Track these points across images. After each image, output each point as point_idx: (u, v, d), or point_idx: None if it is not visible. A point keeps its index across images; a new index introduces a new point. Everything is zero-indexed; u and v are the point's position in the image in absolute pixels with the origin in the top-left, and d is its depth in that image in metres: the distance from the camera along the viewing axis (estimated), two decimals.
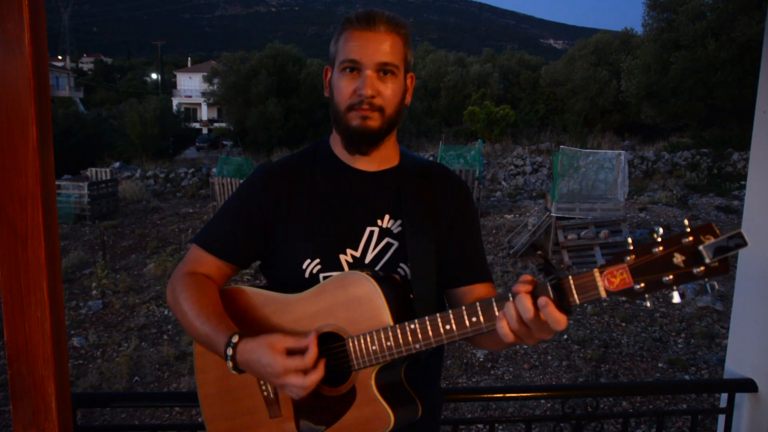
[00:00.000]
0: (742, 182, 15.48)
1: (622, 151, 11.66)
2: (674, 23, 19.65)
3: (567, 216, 9.91)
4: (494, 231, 11.77)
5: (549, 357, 5.98)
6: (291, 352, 1.10)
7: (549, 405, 4.88)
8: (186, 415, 5.14)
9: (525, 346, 6.19)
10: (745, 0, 17.42)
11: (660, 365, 5.77)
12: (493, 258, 9.82)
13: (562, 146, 12.94)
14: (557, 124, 30.19)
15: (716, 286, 0.88)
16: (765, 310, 1.92)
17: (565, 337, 6.41)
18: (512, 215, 13.39)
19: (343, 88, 1.23)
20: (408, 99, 1.30)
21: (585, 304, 7.30)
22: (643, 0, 20.50)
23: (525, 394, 2.42)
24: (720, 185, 16.21)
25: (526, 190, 17.53)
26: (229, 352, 1.14)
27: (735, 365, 2.04)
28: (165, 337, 6.95)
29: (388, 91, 1.22)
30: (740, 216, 2.00)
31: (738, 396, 2.00)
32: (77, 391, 5.43)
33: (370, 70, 1.20)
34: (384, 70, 1.22)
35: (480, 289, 1.30)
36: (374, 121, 1.23)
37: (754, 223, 1.94)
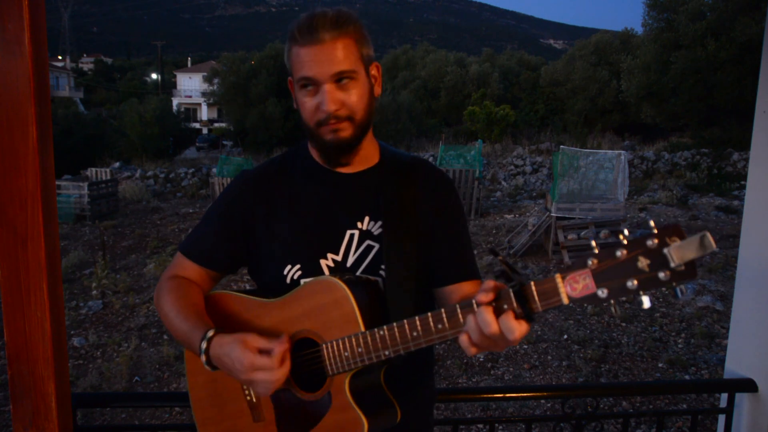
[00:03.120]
0: (742, 182, 15.48)
1: (622, 151, 11.66)
2: (674, 23, 19.66)
3: (567, 216, 9.91)
4: (494, 231, 11.76)
5: (549, 357, 5.98)
6: (262, 352, 1.10)
7: (549, 405, 4.88)
8: (186, 415, 5.13)
9: (525, 346, 6.19)
10: (745, 0, 17.43)
11: (660, 365, 5.77)
12: (493, 258, 9.82)
13: (562, 146, 12.94)
14: (557, 124, 30.17)
15: (685, 291, 0.83)
16: (765, 310, 1.92)
17: (565, 337, 6.41)
18: (512, 215, 13.39)
19: (307, 106, 1.20)
20: (378, 90, 1.27)
21: (585, 305, 7.30)
22: (643, 0, 20.51)
23: (525, 394, 2.43)
24: (720, 185, 16.21)
25: (526, 190, 17.54)
26: (203, 345, 1.14)
27: (735, 365, 2.04)
28: (165, 337, 6.95)
29: (352, 98, 1.19)
30: (740, 216, 1.99)
31: (738, 396, 2.00)
32: (77, 391, 5.43)
33: (328, 83, 1.17)
34: (341, 78, 1.17)
35: (467, 287, 1.27)
36: (346, 131, 1.20)
37: (754, 223, 1.94)
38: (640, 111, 22.98)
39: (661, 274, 0.82)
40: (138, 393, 5.43)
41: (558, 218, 9.81)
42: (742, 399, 2.00)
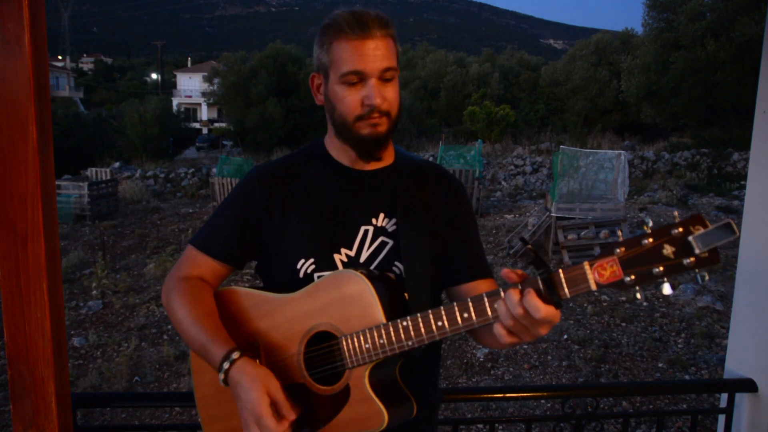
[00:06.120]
0: (742, 182, 15.49)
1: (622, 151, 11.65)
2: (674, 23, 19.66)
3: (567, 216, 9.90)
4: (494, 231, 11.77)
5: (549, 357, 5.98)
6: (273, 404, 1.12)
7: (549, 405, 4.88)
8: (186, 415, 5.14)
9: (525, 346, 6.19)
10: (744, 0, 17.43)
11: (660, 365, 5.77)
12: (493, 258, 9.82)
13: (562, 146, 12.94)
14: (557, 124, 30.18)
15: (707, 277, 0.87)
16: (765, 310, 1.92)
17: (565, 337, 6.41)
18: (512, 215, 13.39)
19: (348, 100, 1.21)
20: None
21: (585, 304, 7.29)
22: (643, 0, 20.51)
23: (525, 394, 2.42)
24: (720, 185, 16.20)
25: (526, 190, 17.54)
26: (226, 365, 1.15)
27: (735, 365, 2.04)
28: (165, 337, 6.95)
29: (391, 95, 1.22)
30: (740, 216, 2.00)
31: (738, 396, 2.00)
32: (77, 391, 5.43)
33: (375, 78, 1.19)
34: (386, 76, 1.21)
35: (482, 286, 1.30)
36: (383, 127, 1.23)
37: (754, 223, 1.94)
38: (640, 111, 22.99)
39: (686, 261, 0.87)
40: (138, 393, 5.43)
41: (558, 218, 9.81)
42: (742, 399, 2.00)
